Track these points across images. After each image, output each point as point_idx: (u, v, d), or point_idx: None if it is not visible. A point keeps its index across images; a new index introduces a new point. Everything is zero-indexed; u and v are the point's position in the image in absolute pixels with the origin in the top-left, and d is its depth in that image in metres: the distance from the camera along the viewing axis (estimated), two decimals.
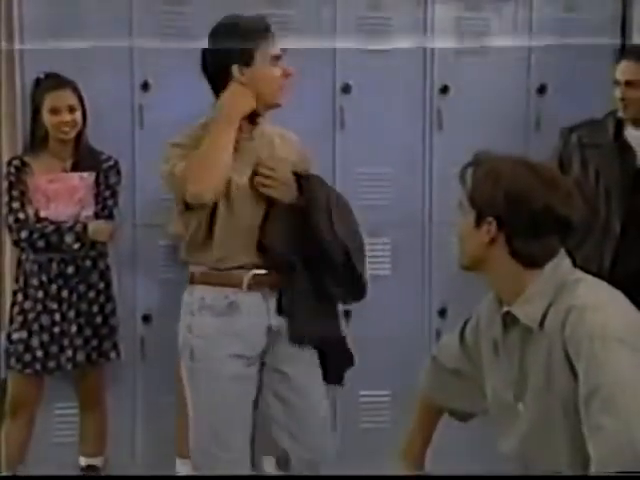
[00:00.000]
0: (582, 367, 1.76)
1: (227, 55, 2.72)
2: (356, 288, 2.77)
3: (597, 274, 1.96)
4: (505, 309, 1.94)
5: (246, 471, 2.71)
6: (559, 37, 3.87)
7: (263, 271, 2.72)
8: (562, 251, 1.92)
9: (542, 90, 3.88)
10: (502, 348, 1.97)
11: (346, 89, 3.77)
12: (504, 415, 1.97)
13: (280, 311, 2.73)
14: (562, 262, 1.91)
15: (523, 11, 3.87)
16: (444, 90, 3.82)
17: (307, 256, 2.73)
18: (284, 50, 2.82)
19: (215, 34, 2.82)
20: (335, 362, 2.84)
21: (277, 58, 2.77)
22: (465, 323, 2.16)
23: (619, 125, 3.40)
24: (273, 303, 2.75)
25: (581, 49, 3.88)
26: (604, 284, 1.91)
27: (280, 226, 2.71)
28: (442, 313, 3.87)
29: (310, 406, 2.78)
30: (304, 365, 2.78)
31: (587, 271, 1.95)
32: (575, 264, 1.95)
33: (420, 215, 3.86)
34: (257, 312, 2.73)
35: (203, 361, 2.70)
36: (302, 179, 2.78)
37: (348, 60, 3.78)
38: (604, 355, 1.73)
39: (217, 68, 2.76)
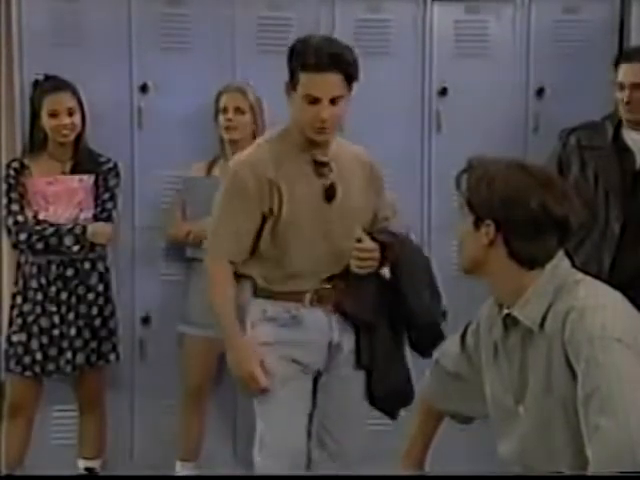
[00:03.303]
0: (581, 368, 1.76)
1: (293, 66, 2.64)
2: (436, 342, 2.60)
3: (596, 275, 1.96)
4: (505, 311, 1.94)
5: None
6: (557, 39, 3.88)
7: (327, 285, 2.68)
8: (561, 252, 1.92)
9: (540, 92, 3.88)
10: (502, 351, 1.97)
11: None
12: (504, 418, 1.97)
13: (358, 363, 2.70)
14: (561, 263, 1.91)
15: (522, 13, 3.87)
16: (443, 92, 3.83)
17: (391, 317, 2.69)
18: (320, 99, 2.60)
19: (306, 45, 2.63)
20: (397, 400, 2.77)
21: (309, 98, 2.59)
22: (466, 328, 2.16)
23: (618, 127, 3.40)
24: (335, 318, 2.69)
25: (580, 51, 3.89)
26: (604, 285, 1.92)
27: (362, 292, 2.66)
28: (442, 315, 3.86)
29: (354, 417, 2.77)
30: (358, 385, 2.75)
31: (586, 272, 1.95)
32: (574, 265, 1.96)
33: (419, 217, 3.86)
34: (319, 327, 2.68)
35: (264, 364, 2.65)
36: (387, 249, 2.65)
37: None
38: (603, 356, 1.74)
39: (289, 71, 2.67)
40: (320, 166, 2.67)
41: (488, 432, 2.08)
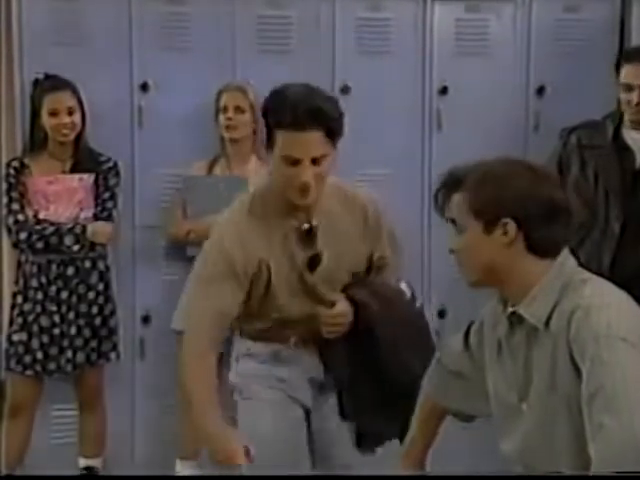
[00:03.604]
0: (586, 366, 1.76)
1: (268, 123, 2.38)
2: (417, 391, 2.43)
3: (597, 274, 1.96)
4: (511, 309, 1.93)
5: None
6: (558, 38, 3.88)
7: (312, 328, 2.51)
8: (567, 250, 1.92)
9: (541, 91, 3.89)
10: (506, 349, 1.96)
11: (345, 90, 3.76)
12: (507, 415, 1.96)
13: (342, 416, 2.56)
14: (567, 261, 1.91)
15: (522, 12, 3.86)
16: (443, 91, 3.83)
17: (368, 373, 2.52)
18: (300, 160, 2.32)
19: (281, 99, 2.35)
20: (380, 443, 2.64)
21: (289, 159, 2.32)
22: (469, 326, 2.15)
23: (618, 126, 3.40)
24: (317, 358, 2.55)
25: (580, 50, 3.89)
26: (610, 284, 1.91)
27: (340, 347, 2.51)
28: (441, 314, 3.88)
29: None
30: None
31: (587, 271, 1.95)
32: (580, 264, 1.95)
33: (419, 215, 3.85)
34: (301, 365, 2.55)
35: (247, 394, 2.56)
36: (361, 309, 2.47)
37: (347, 61, 3.78)
38: (608, 355, 1.73)
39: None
40: (305, 234, 2.44)
41: (490, 430, 2.08)
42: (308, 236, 2.44)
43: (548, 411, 1.86)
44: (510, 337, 1.95)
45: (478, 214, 1.87)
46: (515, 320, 1.92)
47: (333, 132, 2.30)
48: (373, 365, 2.50)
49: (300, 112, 2.25)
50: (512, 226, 1.86)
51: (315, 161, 2.29)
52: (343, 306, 2.48)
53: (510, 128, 3.87)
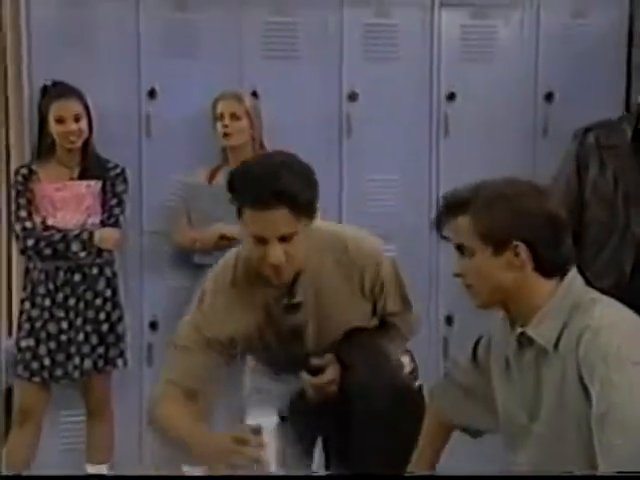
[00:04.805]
0: (596, 388, 1.75)
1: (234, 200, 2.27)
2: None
3: (617, 281, 1.94)
4: (519, 330, 1.91)
5: None
6: (566, 43, 3.87)
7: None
8: (575, 270, 1.91)
9: (549, 97, 3.87)
10: (515, 368, 1.95)
11: (353, 97, 3.76)
12: (516, 434, 1.95)
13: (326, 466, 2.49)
14: (575, 281, 1.89)
15: (529, 17, 3.85)
16: (451, 97, 3.82)
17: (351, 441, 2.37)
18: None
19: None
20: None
21: (256, 238, 2.21)
22: (477, 341, 2.14)
23: (636, 128, 3.33)
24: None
25: (588, 55, 3.87)
26: (619, 305, 1.89)
27: (326, 409, 2.42)
28: (449, 321, 3.87)
29: None
30: None
31: (606, 277, 1.93)
32: (588, 283, 1.93)
33: (427, 222, 3.84)
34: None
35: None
36: (346, 373, 2.36)
37: (354, 67, 3.77)
38: (618, 376, 1.72)
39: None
40: (289, 307, 2.34)
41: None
42: (293, 308, 2.33)
43: (557, 431, 1.85)
44: (519, 357, 1.93)
45: (487, 238, 1.85)
46: (524, 341, 1.91)
47: (300, 209, 2.16)
48: (354, 434, 2.33)
49: (261, 191, 2.12)
50: (523, 248, 1.83)
51: (285, 239, 2.17)
52: (332, 373, 2.37)
53: (518, 134, 3.87)
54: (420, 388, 2.45)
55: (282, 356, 2.42)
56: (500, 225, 1.83)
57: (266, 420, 2.19)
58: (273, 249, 2.16)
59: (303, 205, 2.17)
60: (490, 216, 1.84)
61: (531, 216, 1.83)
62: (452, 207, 1.89)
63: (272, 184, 2.12)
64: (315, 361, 2.37)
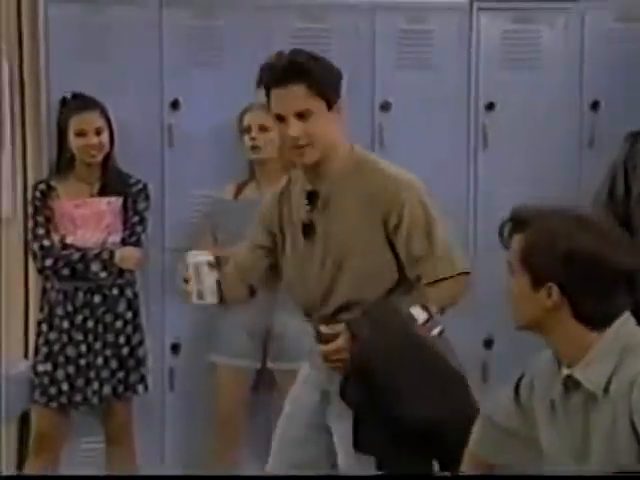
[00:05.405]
0: None
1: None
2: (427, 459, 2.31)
3: None
4: (566, 372, 1.79)
5: None
6: (613, 49, 3.70)
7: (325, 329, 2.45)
8: (627, 311, 1.78)
9: (595, 105, 3.71)
10: (561, 411, 1.82)
11: (386, 106, 3.64)
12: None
13: (356, 447, 2.39)
14: (628, 322, 1.76)
15: (575, 22, 3.69)
16: (490, 106, 3.68)
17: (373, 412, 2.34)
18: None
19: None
20: None
21: (277, 117, 2.36)
22: (519, 380, 2.00)
23: None
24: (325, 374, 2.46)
25: (636, 61, 3.69)
26: None
27: (345, 380, 2.37)
28: (488, 344, 3.71)
29: None
30: None
31: None
32: None
33: (464, 236, 3.68)
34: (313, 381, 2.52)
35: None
36: (356, 344, 2.32)
37: (388, 75, 3.66)
38: None
39: None
40: (310, 197, 2.40)
41: None
42: (312, 199, 2.40)
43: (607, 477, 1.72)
44: (566, 400, 1.80)
45: (527, 267, 1.77)
46: (571, 384, 1.78)
47: (317, 86, 2.27)
48: (374, 403, 2.30)
49: (278, 68, 2.29)
50: (556, 291, 1.73)
51: (302, 116, 2.28)
52: (340, 342, 2.33)
53: (562, 146, 3.70)
54: (441, 333, 2.35)
55: (297, 277, 2.46)
56: (539, 260, 1.75)
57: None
58: (291, 124, 2.28)
59: (319, 83, 2.28)
60: (535, 247, 1.75)
61: (575, 262, 1.71)
62: (514, 221, 1.83)
63: (290, 58, 2.29)
64: (325, 329, 2.38)
